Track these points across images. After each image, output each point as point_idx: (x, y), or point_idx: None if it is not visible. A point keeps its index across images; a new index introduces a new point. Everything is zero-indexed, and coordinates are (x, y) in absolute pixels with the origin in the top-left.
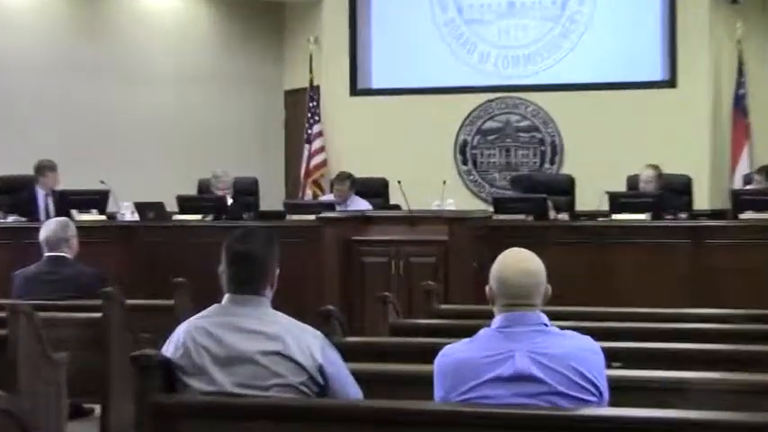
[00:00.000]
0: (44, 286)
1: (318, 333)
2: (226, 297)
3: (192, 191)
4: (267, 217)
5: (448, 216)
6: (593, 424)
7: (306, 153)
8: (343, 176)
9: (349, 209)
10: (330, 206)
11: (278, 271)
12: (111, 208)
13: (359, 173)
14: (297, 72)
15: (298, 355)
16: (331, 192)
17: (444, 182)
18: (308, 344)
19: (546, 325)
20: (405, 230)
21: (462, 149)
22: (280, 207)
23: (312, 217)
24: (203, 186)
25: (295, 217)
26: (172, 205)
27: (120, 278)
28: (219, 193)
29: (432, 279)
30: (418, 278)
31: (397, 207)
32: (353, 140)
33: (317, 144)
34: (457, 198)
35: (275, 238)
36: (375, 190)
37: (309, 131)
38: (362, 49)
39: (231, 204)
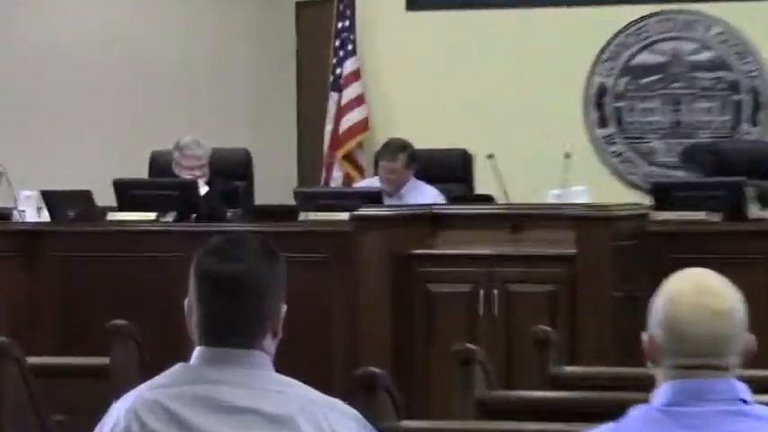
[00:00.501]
0: None
1: (354, 412)
2: (197, 352)
3: (140, 172)
4: (266, 215)
5: (575, 214)
6: None
7: (333, 108)
8: (396, 147)
9: (406, 202)
10: (374, 197)
11: (284, 308)
12: (2, 200)
13: (423, 141)
14: None
15: None
16: (375, 174)
17: (567, 155)
18: (335, 431)
19: (745, 401)
20: (501, 239)
21: (598, 101)
22: (288, 199)
23: (344, 216)
24: (159, 165)
25: (314, 216)
26: (106, 196)
27: (16, 319)
28: (187, 175)
29: (548, 322)
30: (524, 320)
31: (487, 199)
32: (413, 87)
33: (351, 92)
34: (590, 183)
35: (280, 253)
36: (450, 170)
37: (339, 71)
38: None
39: (207, 194)
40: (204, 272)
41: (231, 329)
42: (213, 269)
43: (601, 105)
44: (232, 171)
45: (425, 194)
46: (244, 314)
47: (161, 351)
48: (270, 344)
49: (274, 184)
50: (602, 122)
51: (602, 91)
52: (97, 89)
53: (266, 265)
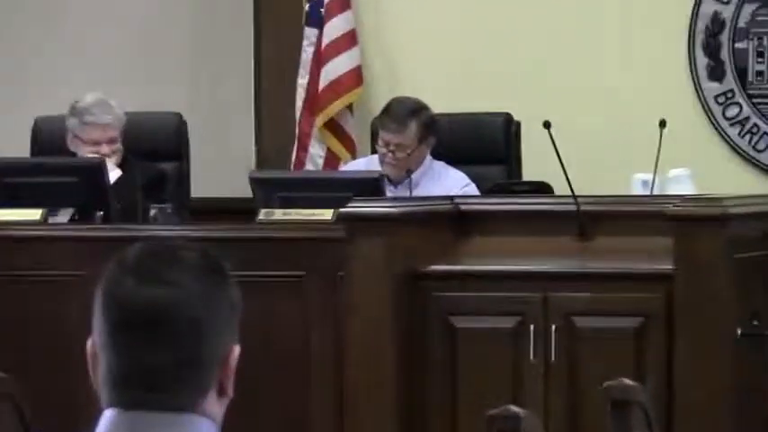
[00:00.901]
0: None
1: None
2: (106, 419)
3: (20, 148)
4: (209, 214)
5: (673, 211)
6: None
7: (310, 51)
8: (405, 111)
9: (419, 193)
10: (371, 186)
11: (237, 352)
12: None
13: (444, 102)
14: None
15: None
16: (373, 151)
17: (662, 123)
18: None
19: None
20: (563, 248)
21: (709, 40)
22: (242, 189)
23: (325, 213)
24: (48, 138)
25: (281, 214)
26: None
27: None
28: (89, 153)
29: (632, 373)
30: (596, 369)
31: (541, 188)
32: (430, 20)
33: (337, 27)
34: (697, 164)
35: (229, 270)
36: (486, 146)
37: None
38: None
39: (119, 181)
40: (115, 300)
41: (155, 384)
42: (128, 296)
43: (713, 47)
44: (158, 147)
45: (448, 182)
46: (174, 361)
47: (53, 416)
48: (215, 404)
49: (221, 166)
50: (716, 73)
51: (715, 24)
52: None
53: (208, 289)
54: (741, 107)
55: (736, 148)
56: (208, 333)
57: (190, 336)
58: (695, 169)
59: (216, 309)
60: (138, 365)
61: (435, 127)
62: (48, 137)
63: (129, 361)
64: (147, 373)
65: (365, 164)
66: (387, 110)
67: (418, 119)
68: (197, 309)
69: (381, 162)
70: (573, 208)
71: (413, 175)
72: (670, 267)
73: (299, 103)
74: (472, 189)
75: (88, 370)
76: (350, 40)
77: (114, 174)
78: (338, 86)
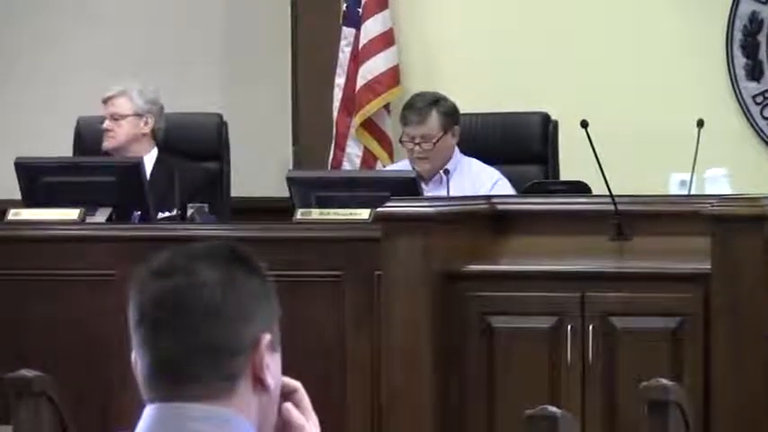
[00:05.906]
0: None
1: None
2: (144, 415)
3: (58, 147)
4: (245, 214)
5: (711, 211)
6: None
7: (347, 51)
8: (425, 102)
9: (452, 190)
10: (408, 186)
11: (267, 338)
12: None
13: (482, 101)
14: None
15: None
16: (410, 155)
17: (700, 123)
18: None
19: None
20: (600, 249)
21: (748, 40)
22: (280, 191)
23: (362, 213)
24: (88, 137)
25: (318, 214)
26: (5, 184)
27: None
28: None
29: (669, 372)
30: (632, 369)
31: (578, 187)
32: (468, 19)
33: (374, 27)
34: (735, 164)
35: (256, 261)
36: (523, 145)
37: None
38: None
39: (153, 178)
40: (134, 298)
41: (178, 374)
42: (142, 292)
43: (752, 47)
44: (198, 148)
45: (482, 179)
46: (190, 349)
47: (89, 414)
48: (250, 396)
49: (258, 166)
50: (754, 73)
51: (754, 24)
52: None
53: (226, 276)
54: None
55: None
56: (227, 319)
57: (204, 322)
58: (733, 169)
59: (237, 295)
60: (158, 357)
61: (458, 115)
62: (90, 137)
63: (151, 354)
64: (166, 363)
65: (400, 166)
66: (407, 105)
67: (439, 108)
68: (211, 294)
69: (410, 160)
70: (610, 208)
71: (444, 174)
72: (707, 267)
73: (337, 103)
74: (504, 183)
75: (124, 369)
76: (387, 39)
77: (150, 168)
78: (375, 86)
